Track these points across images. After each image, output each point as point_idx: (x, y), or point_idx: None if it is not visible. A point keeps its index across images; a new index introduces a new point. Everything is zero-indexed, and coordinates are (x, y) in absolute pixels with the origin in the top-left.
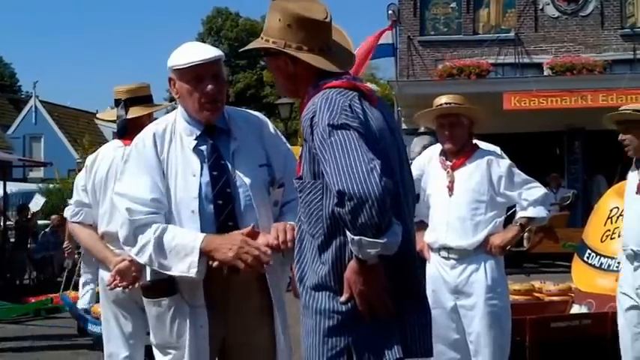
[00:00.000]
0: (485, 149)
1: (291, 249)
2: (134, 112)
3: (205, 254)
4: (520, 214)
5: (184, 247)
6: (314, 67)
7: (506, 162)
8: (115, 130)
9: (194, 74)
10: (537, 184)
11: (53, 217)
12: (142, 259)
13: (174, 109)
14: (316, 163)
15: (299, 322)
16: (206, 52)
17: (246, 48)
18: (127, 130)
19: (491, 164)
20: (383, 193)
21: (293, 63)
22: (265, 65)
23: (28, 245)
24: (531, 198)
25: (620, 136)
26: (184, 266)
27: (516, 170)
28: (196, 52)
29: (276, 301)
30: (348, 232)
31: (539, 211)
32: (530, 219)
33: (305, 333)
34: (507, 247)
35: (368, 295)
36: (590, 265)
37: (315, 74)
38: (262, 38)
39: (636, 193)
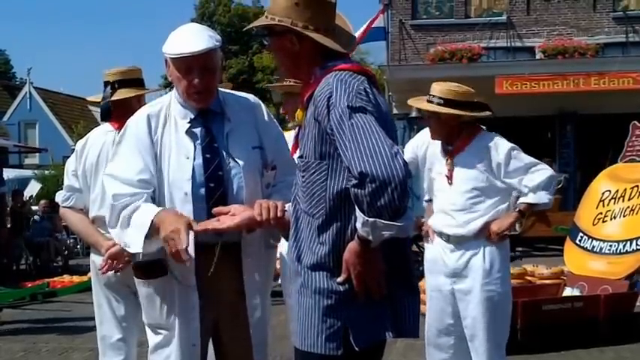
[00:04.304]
0: (487, 134)
1: (270, 227)
2: (121, 94)
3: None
4: (520, 199)
5: (140, 224)
6: (319, 47)
7: (505, 148)
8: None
9: (182, 65)
10: (542, 166)
11: (42, 202)
12: (117, 239)
13: (166, 93)
14: (325, 143)
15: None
16: (197, 43)
17: (252, 25)
18: (111, 113)
19: (491, 151)
20: (406, 176)
21: (299, 42)
22: (257, 51)
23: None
24: (532, 184)
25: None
26: (136, 241)
27: (518, 154)
28: (187, 42)
29: (250, 285)
30: (360, 214)
31: (539, 197)
32: (530, 205)
33: (303, 311)
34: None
35: (366, 276)
36: (583, 248)
37: (320, 54)
38: (267, 17)
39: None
